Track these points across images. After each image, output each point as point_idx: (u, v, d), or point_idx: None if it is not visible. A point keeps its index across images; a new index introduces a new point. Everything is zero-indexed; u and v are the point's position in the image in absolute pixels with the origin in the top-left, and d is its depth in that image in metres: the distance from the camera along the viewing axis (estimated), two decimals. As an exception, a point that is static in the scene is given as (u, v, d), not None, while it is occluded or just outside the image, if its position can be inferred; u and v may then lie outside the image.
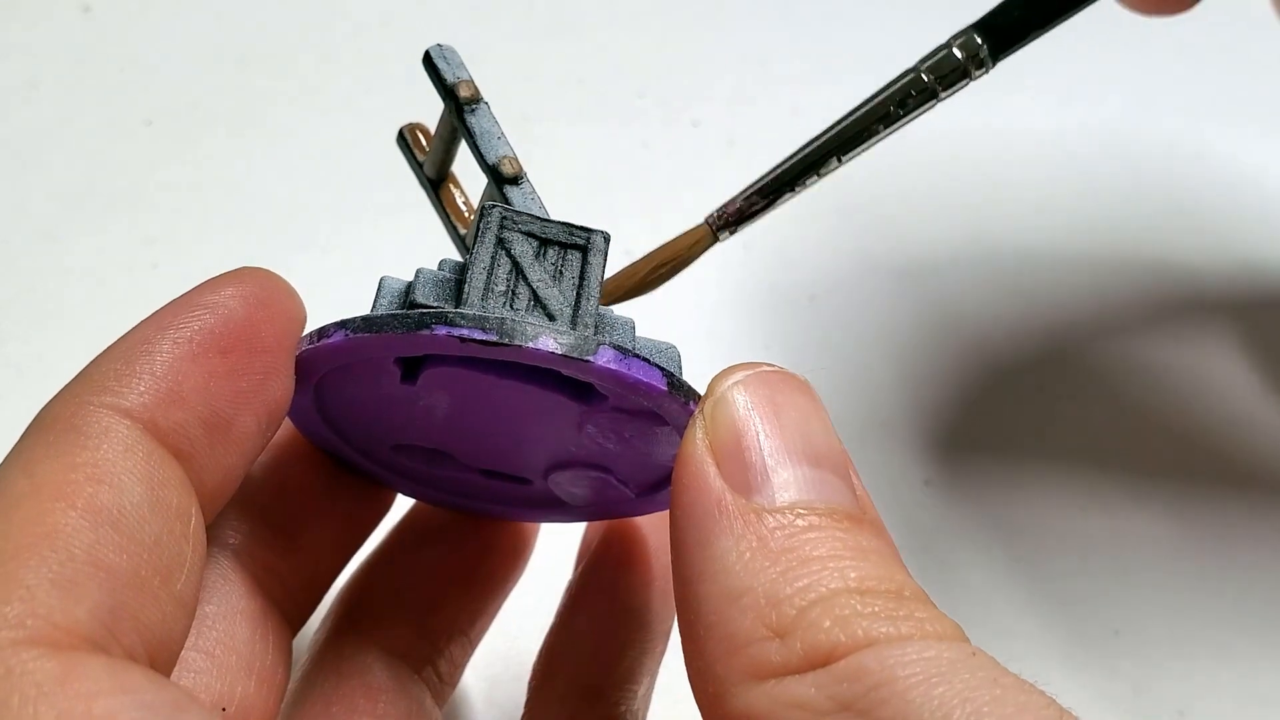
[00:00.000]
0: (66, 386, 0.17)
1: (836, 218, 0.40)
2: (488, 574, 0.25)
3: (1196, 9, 0.25)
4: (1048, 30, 0.20)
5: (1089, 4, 0.20)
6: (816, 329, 0.37)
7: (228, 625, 0.21)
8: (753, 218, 0.20)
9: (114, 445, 0.16)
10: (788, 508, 0.16)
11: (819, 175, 0.20)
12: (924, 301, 0.39)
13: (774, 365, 0.18)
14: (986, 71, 0.20)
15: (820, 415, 0.18)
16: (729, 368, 0.18)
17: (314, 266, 0.38)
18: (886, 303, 0.38)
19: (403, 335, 0.18)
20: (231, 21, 0.45)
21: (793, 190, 0.20)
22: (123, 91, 0.42)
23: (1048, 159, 0.43)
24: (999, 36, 0.20)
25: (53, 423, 0.17)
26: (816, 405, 0.18)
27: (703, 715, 0.16)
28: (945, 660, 0.15)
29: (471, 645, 0.25)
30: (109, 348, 0.18)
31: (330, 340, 0.18)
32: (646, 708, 0.25)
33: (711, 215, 0.20)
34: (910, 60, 0.22)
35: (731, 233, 0.20)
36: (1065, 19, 0.20)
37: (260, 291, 0.19)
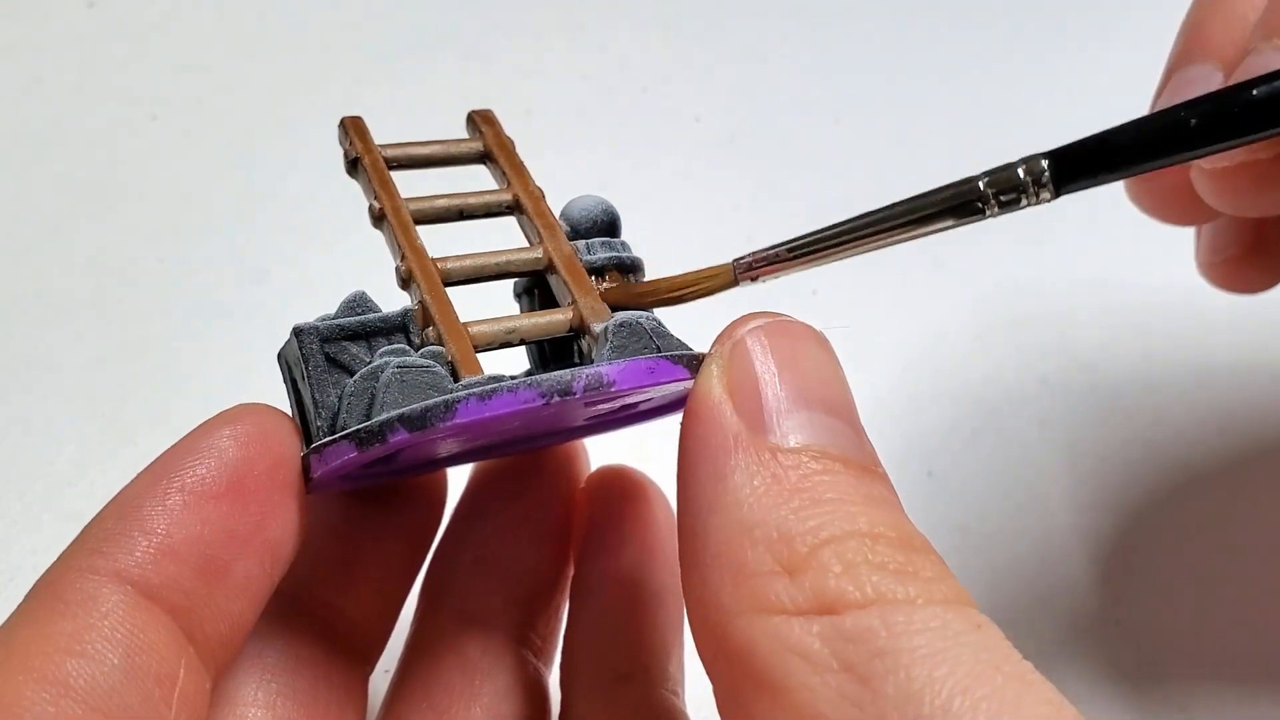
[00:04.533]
0: (64, 550, 0.17)
1: (837, 212, 0.40)
2: (554, 522, 0.25)
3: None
4: (1118, 178, 0.20)
5: (1166, 164, 0.20)
6: (819, 322, 0.38)
7: (289, 676, 0.21)
8: (773, 269, 0.20)
9: (92, 612, 0.16)
10: (801, 449, 0.16)
11: (844, 253, 0.20)
12: (926, 293, 0.39)
13: (792, 316, 0.18)
14: (1049, 200, 0.20)
15: (836, 368, 0.18)
16: (748, 314, 0.18)
17: (317, 262, 0.38)
18: (888, 295, 0.39)
19: (363, 451, 0.18)
20: (235, 16, 0.45)
21: (816, 254, 0.20)
22: (127, 86, 0.42)
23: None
24: (1066, 167, 0.20)
25: (41, 589, 0.17)
26: (833, 358, 0.18)
27: (700, 646, 0.16)
28: (951, 634, 0.15)
29: (561, 598, 0.25)
30: (106, 505, 0.18)
31: (328, 469, 0.19)
32: (682, 681, 0.24)
33: (739, 260, 0.21)
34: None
35: (753, 280, 0.20)
36: (1138, 171, 0.20)
37: (255, 430, 0.18)
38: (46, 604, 0.16)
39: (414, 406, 0.18)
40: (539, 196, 0.22)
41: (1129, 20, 0.47)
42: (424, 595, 0.24)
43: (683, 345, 0.20)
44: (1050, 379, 0.37)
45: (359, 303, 0.20)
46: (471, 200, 0.22)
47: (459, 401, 0.18)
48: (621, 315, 0.20)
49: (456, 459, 0.23)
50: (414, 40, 0.45)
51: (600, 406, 0.21)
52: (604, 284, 0.21)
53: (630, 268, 0.22)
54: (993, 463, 0.35)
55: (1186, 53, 0.25)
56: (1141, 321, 0.38)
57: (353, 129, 0.22)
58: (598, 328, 0.19)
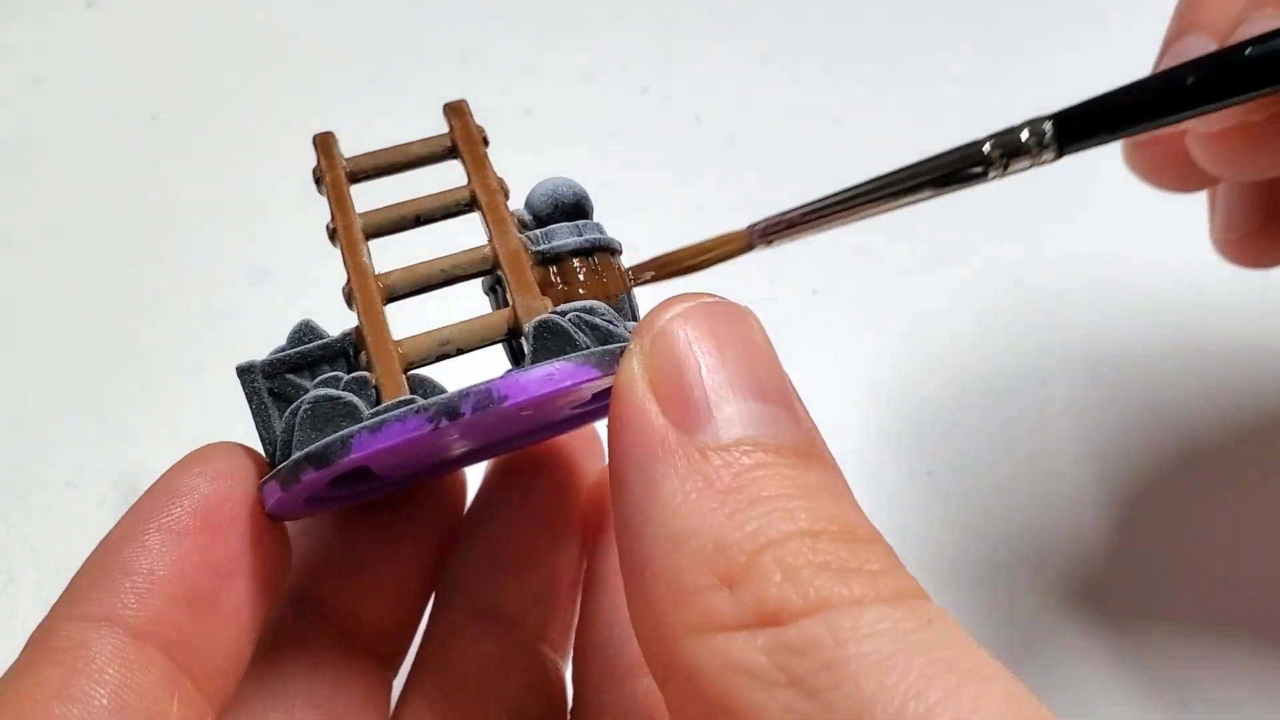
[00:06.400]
0: (54, 604, 0.18)
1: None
2: (568, 518, 0.25)
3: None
4: (1118, 137, 0.21)
5: (1165, 123, 0.21)
6: (819, 322, 0.38)
7: (306, 680, 0.21)
8: (787, 232, 0.21)
9: (79, 658, 0.17)
10: (733, 445, 0.16)
11: (855, 215, 0.21)
12: (926, 294, 0.39)
13: (716, 296, 0.17)
14: (1051, 160, 0.21)
15: (765, 346, 0.17)
16: (668, 299, 0.17)
17: (319, 261, 0.38)
18: (887, 296, 0.39)
19: (288, 492, 0.18)
20: (235, 16, 0.45)
21: (824, 218, 0.21)
22: (126, 86, 0.42)
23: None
24: (1070, 128, 0.21)
25: (33, 642, 0.17)
26: (761, 336, 0.17)
27: (649, 664, 0.16)
28: (901, 634, 0.14)
29: (573, 590, 0.25)
30: (89, 556, 0.18)
31: (270, 506, 0.19)
32: None
33: (754, 225, 0.21)
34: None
35: (768, 244, 0.21)
36: (1138, 130, 0.21)
37: (224, 466, 0.19)
38: (38, 654, 0.17)
39: (318, 444, 0.18)
40: (494, 190, 0.21)
41: (1128, 22, 0.47)
42: (439, 592, 0.24)
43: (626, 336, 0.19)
44: (1050, 378, 0.37)
45: (304, 332, 0.20)
46: (427, 204, 0.21)
47: (352, 436, 0.17)
48: (545, 315, 0.19)
49: (465, 459, 0.23)
50: (414, 39, 0.45)
51: (561, 402, 0.20)
52: (579, 274, 0.20)
53: (590, 250, 0.20)
54: (993, 462, 0.35)
55: (1182, 27, 0.25)
56: (1143, 322, 0.38)
57: (320, 146, 0.22)
58: (527, 328, 0.19)
